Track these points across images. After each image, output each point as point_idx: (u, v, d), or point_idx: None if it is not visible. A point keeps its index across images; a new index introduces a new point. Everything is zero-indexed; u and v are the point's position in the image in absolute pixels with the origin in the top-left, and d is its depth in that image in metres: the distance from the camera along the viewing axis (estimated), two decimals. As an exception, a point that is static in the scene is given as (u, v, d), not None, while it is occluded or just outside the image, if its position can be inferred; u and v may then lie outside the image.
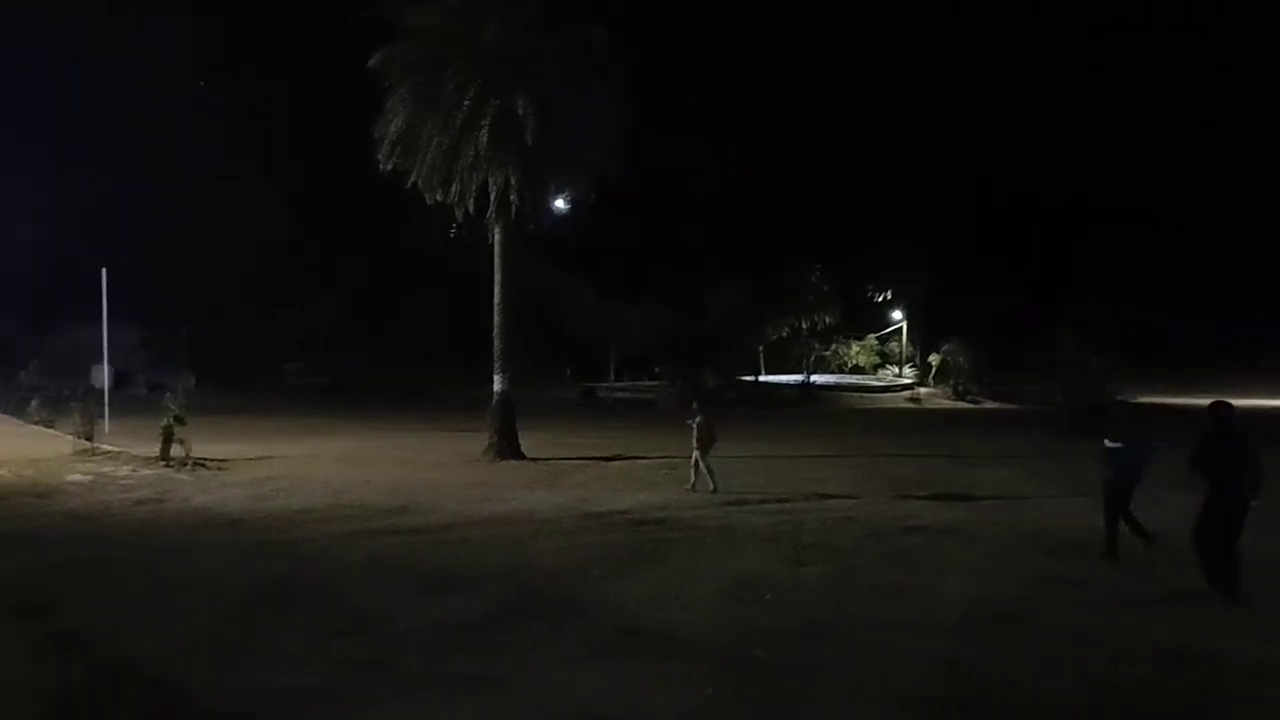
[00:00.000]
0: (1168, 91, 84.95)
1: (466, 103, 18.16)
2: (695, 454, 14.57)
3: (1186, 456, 7.91)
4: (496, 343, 20.10)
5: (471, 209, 19.48)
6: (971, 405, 50.06)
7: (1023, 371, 46.58)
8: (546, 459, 19.17)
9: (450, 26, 18.64)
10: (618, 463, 19.07)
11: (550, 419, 28.73)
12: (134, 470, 15.94)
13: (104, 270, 19.67)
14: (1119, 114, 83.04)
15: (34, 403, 21.82)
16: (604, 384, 50.19)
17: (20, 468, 15.60)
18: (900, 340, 63.46)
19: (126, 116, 46.47)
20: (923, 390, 54.54)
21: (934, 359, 56.79)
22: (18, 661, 6.25)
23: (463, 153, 18.50)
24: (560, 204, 22.46)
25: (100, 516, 11.92)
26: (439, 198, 19.34)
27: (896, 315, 63.28)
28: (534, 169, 18.97)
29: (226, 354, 45.51)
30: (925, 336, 60.54)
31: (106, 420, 19.51)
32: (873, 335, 64.45)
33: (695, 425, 14.61)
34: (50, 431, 19.97)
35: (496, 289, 20.10)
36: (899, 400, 51.92)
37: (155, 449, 17.04)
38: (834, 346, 63.09)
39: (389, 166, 19.17)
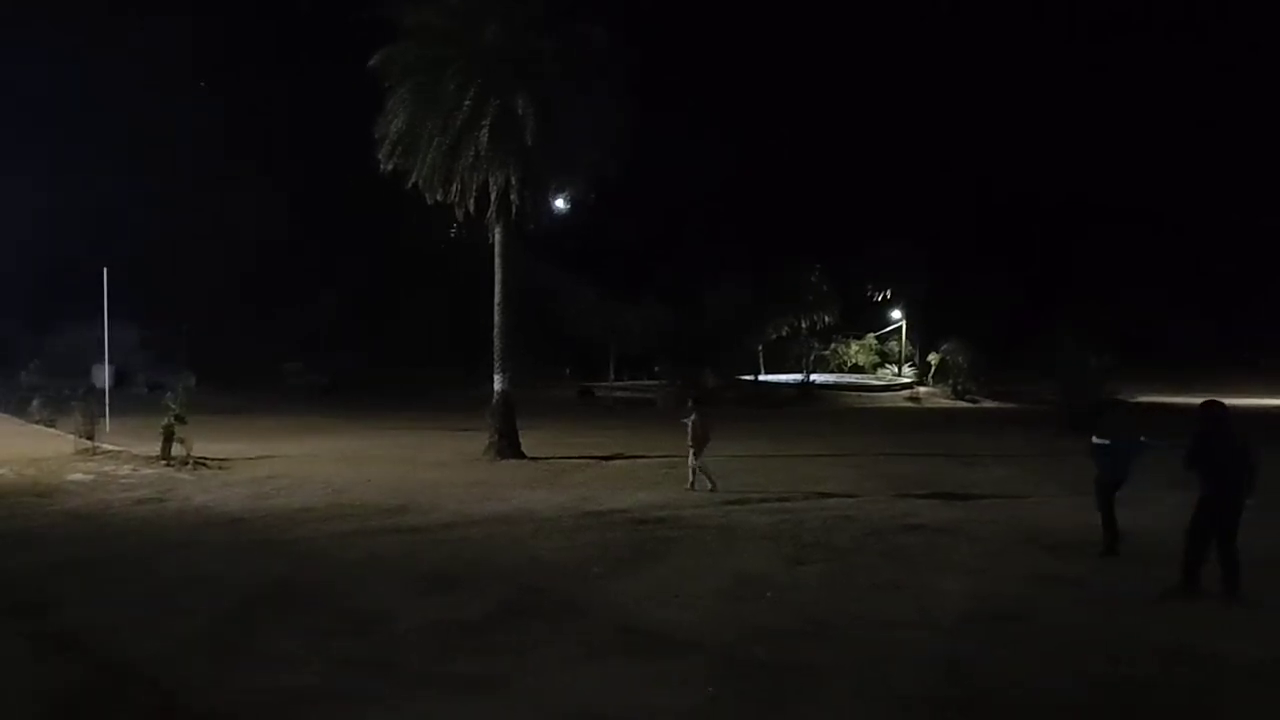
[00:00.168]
0: (1168, 91, 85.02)
1: (467, 103, 18.17)
2: (690, 453, 14.63)
3: (1182, 456, 7.93)
4: (497, 342, 20.12)
5: (472, 209, 19.50)
6: (971, 404, 50.07)
7: (1022, 371, 46.58)
8: (546, 458, 19.18)
9: (450, 26, 18.65)
10: (618, 462, 19.08)
11: (550, 418, 28.75)
12: (135, 469, 15.95)
13: (104, 270, 19.69)
14: (1119, 114, 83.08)
15: (35, 402, 21.87)
16: (602, 383, 50.20)
17: (21, 467, 15.62)
18: (899, 339, 63.50)
19: (126, 116, 46.46)
20: (922, 389, 54.54)
21: (933, 358, 56.78)
22: (18, 661, 6.26)
23: (463, 153, 18.52)
24: (560, 204, 22.48)
25: (101, 516, 11.93)
26: (439, 197, 19.36)
27: (896, 315, 63.32)
28: (534, 169, 18.99)
29: (227, 354, 45.49)
30: (925, 336, 60.54)
31: (107, 419, 19.53)
32: (872, 335, 64.50)
33: (690, 424, 14.66)
34: (51, 431, 19.99)
35: (497, 289, 20.12)
36: (898, 399, 51.93)
37: (156, 448, 17.06)
38: (833, 346, 63.15)
39: (389, 166, 19.18)
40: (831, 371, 61.97)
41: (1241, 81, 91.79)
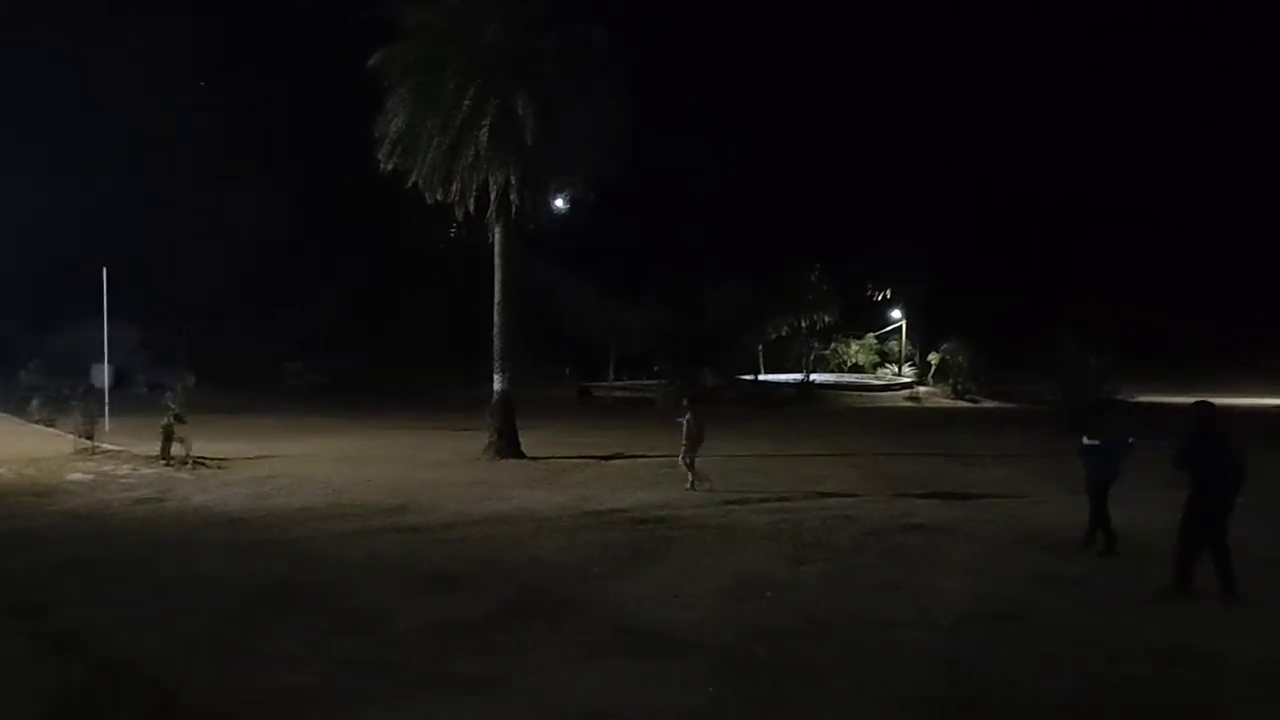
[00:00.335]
0: (1168, 91, 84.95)
1: (466, 102, 18.18)
2: (684, 449, 14.71)
3: (1172, 456, 7.94)
4: (496, 342, 20.12)
5: (472, 208, 19.52)
6: (970, 404, 50.08)
7: (1022, 371, 46.56)
8: (546, 458, 19.18)
9: (450, 26, 18.66)
10: (617, 461, 19.09)
11: (550, 418, 28.74)
12: (134, 469, 15.96)
13: (104, 270, 19.70)
14: (1119, 114, 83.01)
15: (34, 402, 21.88)
16: (601, 383, 50.20)
17: (21, 466, 15.62)
18: (899, 339, 63.52)
19: (126, 116, 46.39)
20: (922, 389, 54.54)
21: (933, 358, 56.79)
22: (18, 661, 6.27)
23: (463, 152, 18.53)
24: (560, 204, 22.51)
25: (100, 515, 11.93)
26: (439, 197, 19.37)
27: (896, 314, 63.33)
28: (534, 168, 19.00)
29: (226, 354, 45.49)
30: (925, 336, 60.55)
31: (107, 419, 19.53)
32: (872, 334, 64.50)
33: (685, 423, 14.73)
34: (51, 430, 20.00)
35: (497, 288, 20.12)
36: (898, 399, 51.93)
37: (155, 448, 17.06)
38: (833, 345, 63.12)
39: (389, 166, 19.19)
40: (831, 371, 61.96)
41: (1241, 81, 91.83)
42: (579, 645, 6.56)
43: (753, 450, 20.82)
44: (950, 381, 54.31)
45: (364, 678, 5.90)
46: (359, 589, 8.14)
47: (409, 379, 46.48)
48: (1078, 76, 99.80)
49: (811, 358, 59.50)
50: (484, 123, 18.09)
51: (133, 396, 27.84)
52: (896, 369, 62.42)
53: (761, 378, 57.74)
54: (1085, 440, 9.90)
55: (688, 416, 14.76)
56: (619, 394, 47.17)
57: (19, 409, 22.63)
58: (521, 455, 19.37)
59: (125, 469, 15.93)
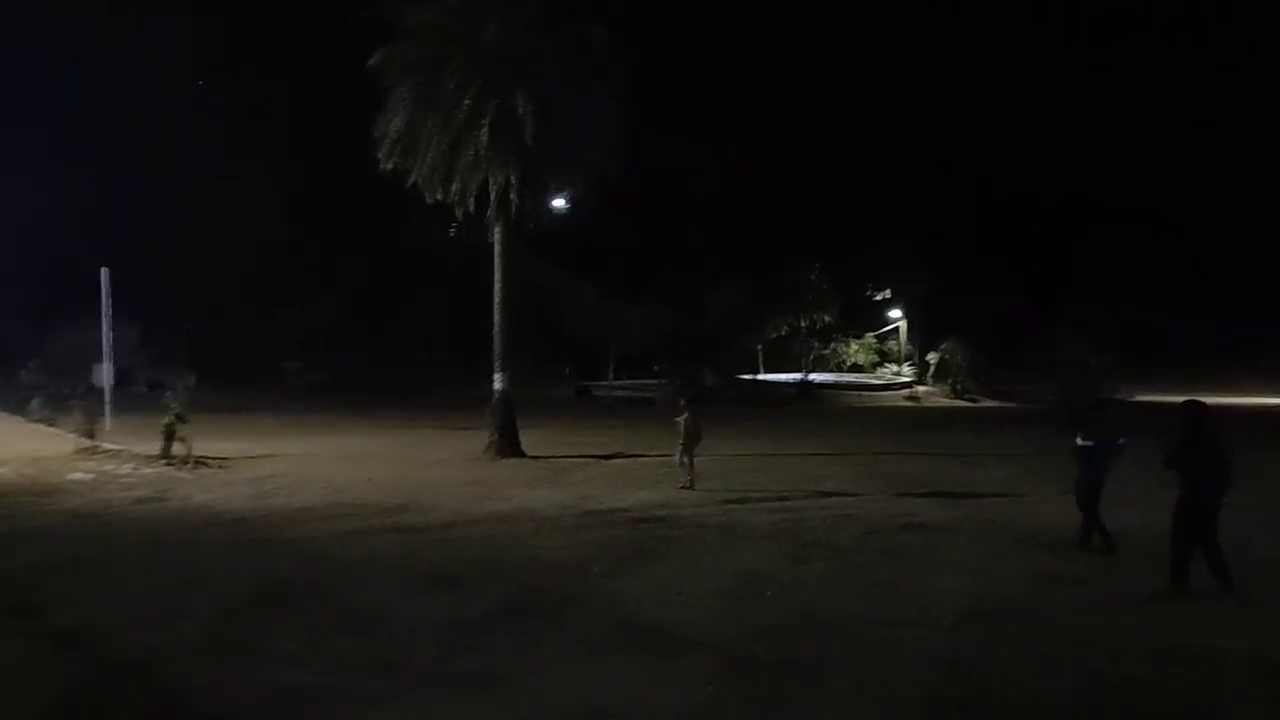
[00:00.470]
0: (1168, 91, 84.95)
1: (467, 102, 18.20)
2: (679, 449, 14.78)
3: (1163, 457, 7.95)
4: (497, 341, 20.13)
5: (472, 208, 19.54)
6: (970, 404, 50.08)
7: (1022, 371, 46.57)
8: (547, 457, 19.20)
9: (450, 26, 18.67)
10: (618, 461, 19.10)
11: (550, 417, 28.76)
12: (135, 468, 15.97)
13: (105, 270, 19.70)
14: (1119, 114, 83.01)
15: (35, 401, 21.90)
16: (600, 382, 50.20)
17: (22, 466, 15.63)
18: (899, 339, 63.49)
19: (126, 116, 46.48)
20: (921, 389, 54.54)
21: (933, 358, 56.80)
22: (18, 661, 6.27)
23: (463, 152, 18.55)
24: (560, 203, 22.49)
25: (101, 515, 11.94)
26: (439, 197, 19.40)
27: (895, 314, 63.31)
28: (534, 168, 19.02)
29: (227, 353, 45.55)
30: (924, 335, 60.54)
31: (108, 418, 19.56)
32: (871, 334, 64.49)
33: (682, 422, 14.79)
34: (52, 430, 20.00)
35: (497, 288, 20.13)
36: (898, 399, 51.94)
37: (156, 447, 17.07)
38: (833, 345, 63.11)
39: (389, 165, 19.21)
40: (831, 371, 61.95)
41: (1241, 81, 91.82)
42: (579, 644, 6.56)
43: (753, 449, 20.84)
44: (950, 381, 54.31)
45: (365, 677, 5.90)
46: (360, 588, 8.14)
47: (409, 379, 46.53)
48: (1078, 76, 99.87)
49: (811, 357, 59.51)
50: (484, 122, 18.11)
51: (133, 396, 27.85)
52: (896, 368, 62.40)
53: (761, 377, 57.76)
54: (1079, 440, 9.91)
55: (684, 416, 14.84)
56: (619, 393, 47.18)
57: (20, 408, 22.63)
58: (522, 454, 19.38)
59: (126, 468, 15.94)
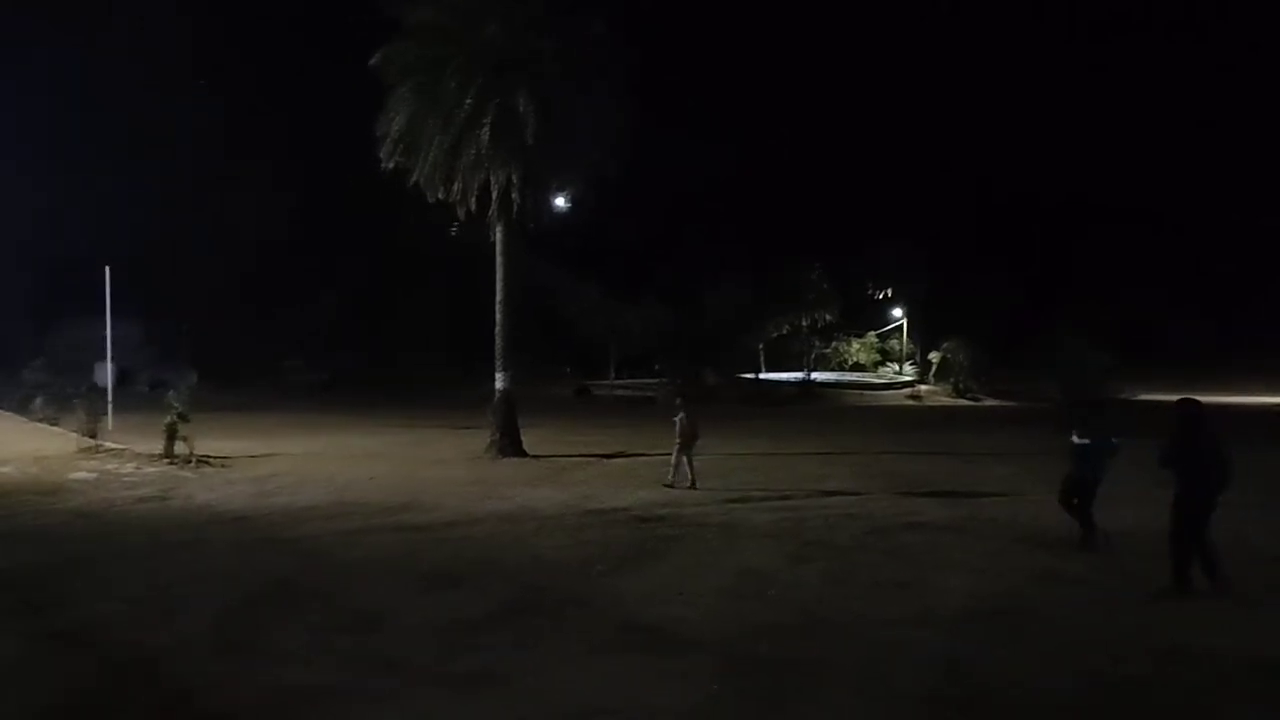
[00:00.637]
0: (1168, 91, 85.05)
1: (468, 101, 18.20)
2: (676, 448, 14.79)
3: (1158, 456, 7.96)
4: (498, 341, 20.14)
5: (473, 207, 19.54)
6: (971, 403, 50.09)
7: (1023, 370, 46.63)
8: (548, 456, 19.21)
9: (451, 25, 18.67)
10: (619, 460, 19.11)
11: (551, 417, 28.75)
12: (138, 467, 15.99)
13: (107, 269, 19.72)
14: (1119, 114, 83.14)
15: (38, 400, 21.89)
16: (600, 382, 50.20)
17: (24, 465, 15.65)
18: (900, 338, 63.49)
19: (126, 116, 46.45)
20: (923, 388, 54.55)
21: (934, 357, 56.81)
22: (20, 659, 6.28)
23: (464, 151, 18.55)
24: (560, 203, 22.52)
25: (104, 514, 11.96)
26: (440, 196, 19.41)
27: (897, 313, 63.31)
28: (535, 168, 19.03)
29: (227, 353, 45.52)
30: (926, 335, 60.54)
31: (110, 417, 19.57)
32: (873, 333, 64.47)
33: (679, 422, 14.82)
34: (54, 429, 20.01)
35: (498, 287, 20.14)
36: (899, 398, 51.94)
37: (159, 446, 17.10)
38: (834, 344, 63.07)
39: (390, 165, 19.22)
40: (832, 370, 61.93)
41: (1241, 81, 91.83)
42: (581, 643, 6.58)
43: (754, 449, 20.85)
44: (951, 380, 54.33)
45: (367, 675, 5.91)
46: (362, 587, 8.16)
47: (409, 378, 46.53)
48: (1078, 76, 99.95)
49: (812, 356, 59.48)
50: (485, 122, 18.11)
51: (135, 395, 27.89)
52: (897, 368, 62.42)
53: (762, 376, 57.73)
54: (1075, 439, 9.91)
55: (681, 415, 14.86)
56: (620, 393, 47.19)
57: (22, 407, 22.63)
58: (523, 454, 19.40)
59: (129, 467, 15.96)
